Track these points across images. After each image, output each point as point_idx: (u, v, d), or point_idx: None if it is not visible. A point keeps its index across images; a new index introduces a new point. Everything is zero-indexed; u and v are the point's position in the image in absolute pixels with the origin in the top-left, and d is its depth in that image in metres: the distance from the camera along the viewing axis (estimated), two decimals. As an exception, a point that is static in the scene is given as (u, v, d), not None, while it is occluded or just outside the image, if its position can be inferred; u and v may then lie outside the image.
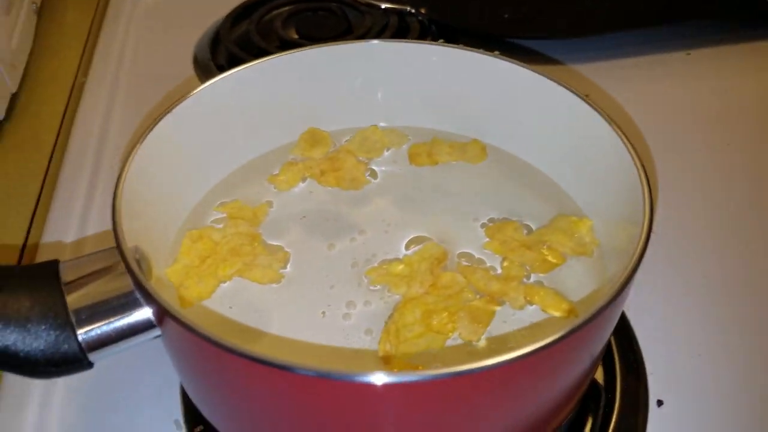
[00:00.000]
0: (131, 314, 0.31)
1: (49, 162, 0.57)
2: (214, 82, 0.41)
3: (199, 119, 0.41)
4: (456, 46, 0.44)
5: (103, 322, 0.31)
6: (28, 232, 0.52)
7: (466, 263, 0.39)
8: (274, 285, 0.38)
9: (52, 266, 0.31)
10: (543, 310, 0.36)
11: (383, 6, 0.68)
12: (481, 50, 0.43)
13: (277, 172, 0.44)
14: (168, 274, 0.37)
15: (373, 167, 0.45)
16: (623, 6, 0.66)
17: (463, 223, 0.41)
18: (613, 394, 0.41)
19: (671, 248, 0.50)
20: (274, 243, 0.40)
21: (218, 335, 0.26)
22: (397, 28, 0.65)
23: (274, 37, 0.66)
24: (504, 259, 0.39)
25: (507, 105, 0.44)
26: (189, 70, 0.66)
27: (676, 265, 0.49)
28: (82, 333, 0.30)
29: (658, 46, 0.66)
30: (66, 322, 0.30)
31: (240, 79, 0.42)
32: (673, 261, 0.50)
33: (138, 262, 0.31)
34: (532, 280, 0.38)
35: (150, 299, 0.29)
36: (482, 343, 0.35)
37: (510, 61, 0.42)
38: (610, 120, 0.38)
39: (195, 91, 0.40)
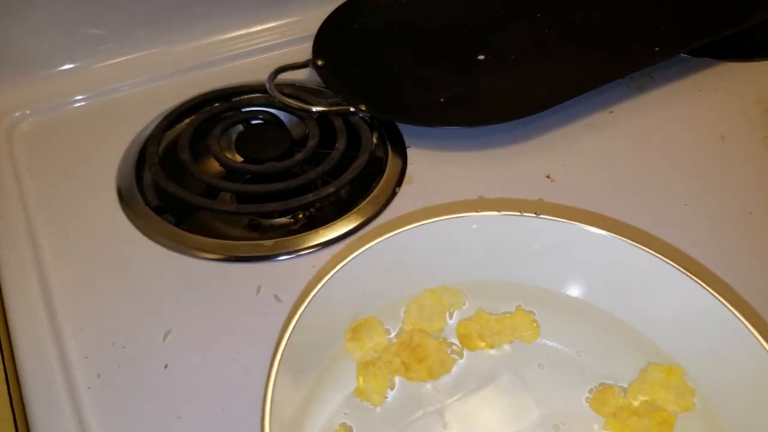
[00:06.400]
0: None
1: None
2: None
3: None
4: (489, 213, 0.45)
5: None
6: None
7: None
8: None
9: None
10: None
11: (314, 109, 0.62)
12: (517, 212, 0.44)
13: (354, 383, 0.40)
14: None
15: (452, 340, 0.43)
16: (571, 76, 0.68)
17: (570, 400, 0.40)
18: None
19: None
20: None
21: None
22: (346, 131, 0.61)
23: (212, 162, 0.58)
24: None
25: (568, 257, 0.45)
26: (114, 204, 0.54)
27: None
28: None
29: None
30: None
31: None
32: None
33: None
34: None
35: None
36: None
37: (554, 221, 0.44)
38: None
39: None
